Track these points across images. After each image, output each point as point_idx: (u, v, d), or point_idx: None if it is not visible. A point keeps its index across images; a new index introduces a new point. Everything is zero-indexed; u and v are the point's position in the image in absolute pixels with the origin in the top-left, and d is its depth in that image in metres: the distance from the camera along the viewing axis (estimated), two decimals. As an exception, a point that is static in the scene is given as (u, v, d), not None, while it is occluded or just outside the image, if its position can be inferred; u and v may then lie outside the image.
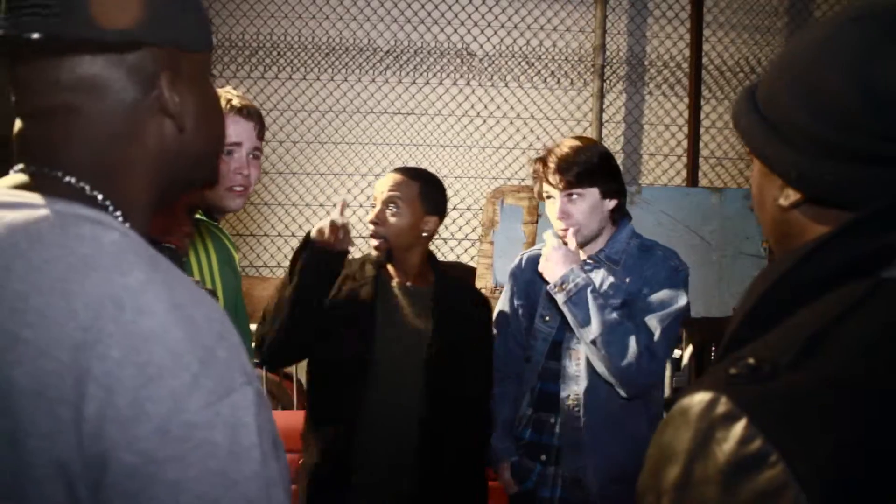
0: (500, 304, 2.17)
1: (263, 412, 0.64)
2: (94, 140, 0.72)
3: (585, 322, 1.82)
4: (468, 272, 3.72)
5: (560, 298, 1.85)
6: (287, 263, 4.12)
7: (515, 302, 2.12)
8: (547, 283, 1.92)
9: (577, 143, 1.95)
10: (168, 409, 0.58)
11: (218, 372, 0.61)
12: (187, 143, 0.76)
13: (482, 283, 3.47)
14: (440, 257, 4.19)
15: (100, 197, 0.70)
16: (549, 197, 1.96)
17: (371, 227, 1.98)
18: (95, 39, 0.70)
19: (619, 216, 1.98)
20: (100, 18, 0.69)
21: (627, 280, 1.91)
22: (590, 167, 1.90)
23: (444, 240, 4.23)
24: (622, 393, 1.88)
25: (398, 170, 2.05)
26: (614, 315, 1.82)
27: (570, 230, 1.92)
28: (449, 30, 4.22)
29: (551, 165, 1.92)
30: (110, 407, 0.58)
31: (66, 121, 0.71)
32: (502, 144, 4.27)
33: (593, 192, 1.91)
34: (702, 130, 4.24)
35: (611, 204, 1.94)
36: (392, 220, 1.96)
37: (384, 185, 1.99)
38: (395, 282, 2.02)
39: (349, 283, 2.01)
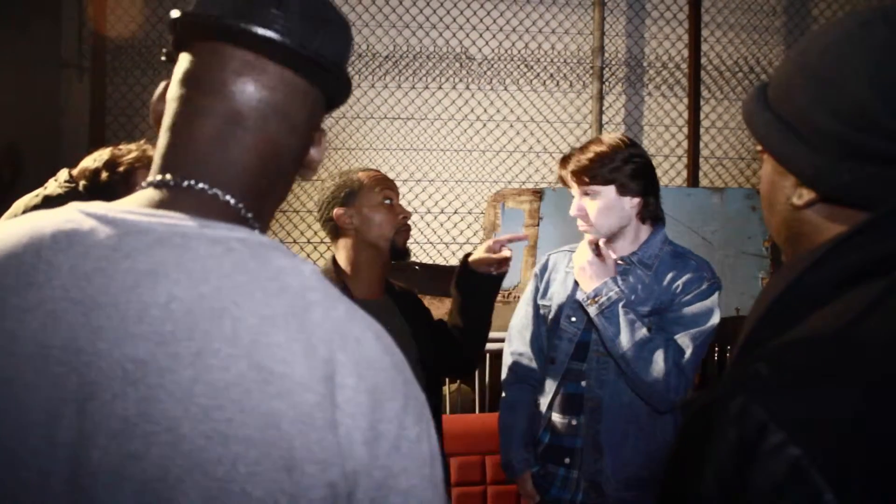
0: (522, 305, 2.13)
1: None
2: (262, 162, 0.74)
3: (616, 337, 1.81)
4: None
5: (592, 311, 1.84)
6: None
7: (539, 301, 2.09)
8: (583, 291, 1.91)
9: (601, 143, 1.93)
10: (395, 427, 0.65)
11: (414, 391, 0.69)
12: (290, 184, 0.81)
13: (484, 286, 3.47)
14: (441, 261, 4.20)
15: (250, 217, 0.73)
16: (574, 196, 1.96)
17: (406, 221, 1.96)
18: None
19: (648, 216, 1.95)
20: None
21: (659, 287, 1.89)
22: (604, 165, 1.88)
23: (446, 244, 4.23)
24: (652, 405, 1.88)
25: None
26: (644, 331, 1.81)
27: (585, 227, 1.93)
28: (448, 34, 4.22)
29: (570, 165, 1.93)
30: (356, 430, 0.64)
31: (244, 139, 0.73)
32: (503, 148, 4.28)
33: (609, 190, 1.90)
34: (702, 131, 4.24)
35: (632, 202, 1.91)
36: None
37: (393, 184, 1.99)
38: (360, 298, 1.87)
39: None
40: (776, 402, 0.57)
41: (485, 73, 4.25)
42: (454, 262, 4.20)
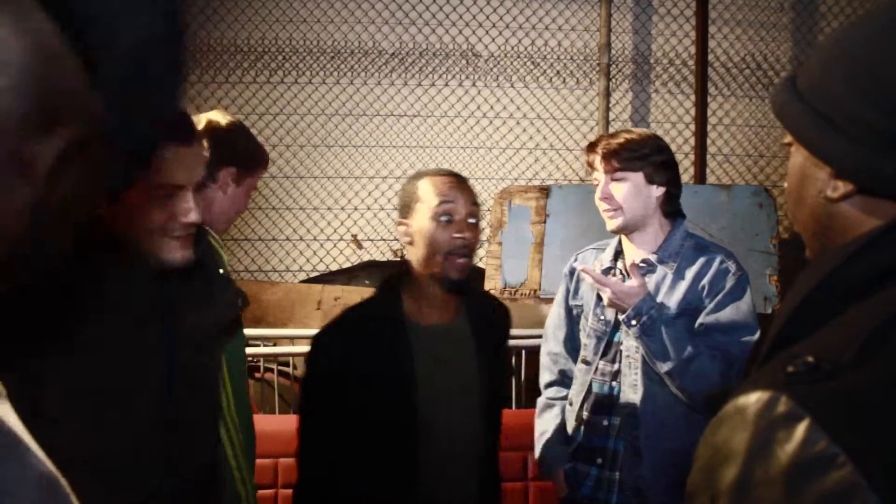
0: (556, 306, 2.13)
1: None
2: None
3: (660, 353, 1.79)
4: (476, 274, 3.71)
5: (634, 332, 1.81)
6: (295, 268, 4.15)
7: (571, 302, 2.08)
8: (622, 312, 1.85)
9: (631, 132, 1.95)
10: None
11: None
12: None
13: (491, 284, 3.47)
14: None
15: None
16: (598, 183, 1.93)
17: (463, 246, 1.63)
18: None
19: (671, 210, 1.94)
20: None
21: (684, 284, 1.88)
22: (635, 151, 1.89)
23: (452, 241, 4.23)
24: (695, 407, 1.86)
25: (462, 177, 1.72)
26: (689, 347, 1.78)
27: (611, 212, 1.90)
28: (454, 31, 4.22)
29: (599, 151, 1.92)
30: None
31: None
32: (509, 145, 4.27)
33: (637, 177, 1.89)
34: (709, 127, 4.23)
35: (658, 191, 1.91)
36: (475, 237, 1.68)
37: (467, 195, 1.66)
38: (424, 324, 1.69)
39: (379, 342, 1.66)
40: (815, 400, 0.55)
41: (491, 70, 4.24)
42: (460, 259, 4.20)
